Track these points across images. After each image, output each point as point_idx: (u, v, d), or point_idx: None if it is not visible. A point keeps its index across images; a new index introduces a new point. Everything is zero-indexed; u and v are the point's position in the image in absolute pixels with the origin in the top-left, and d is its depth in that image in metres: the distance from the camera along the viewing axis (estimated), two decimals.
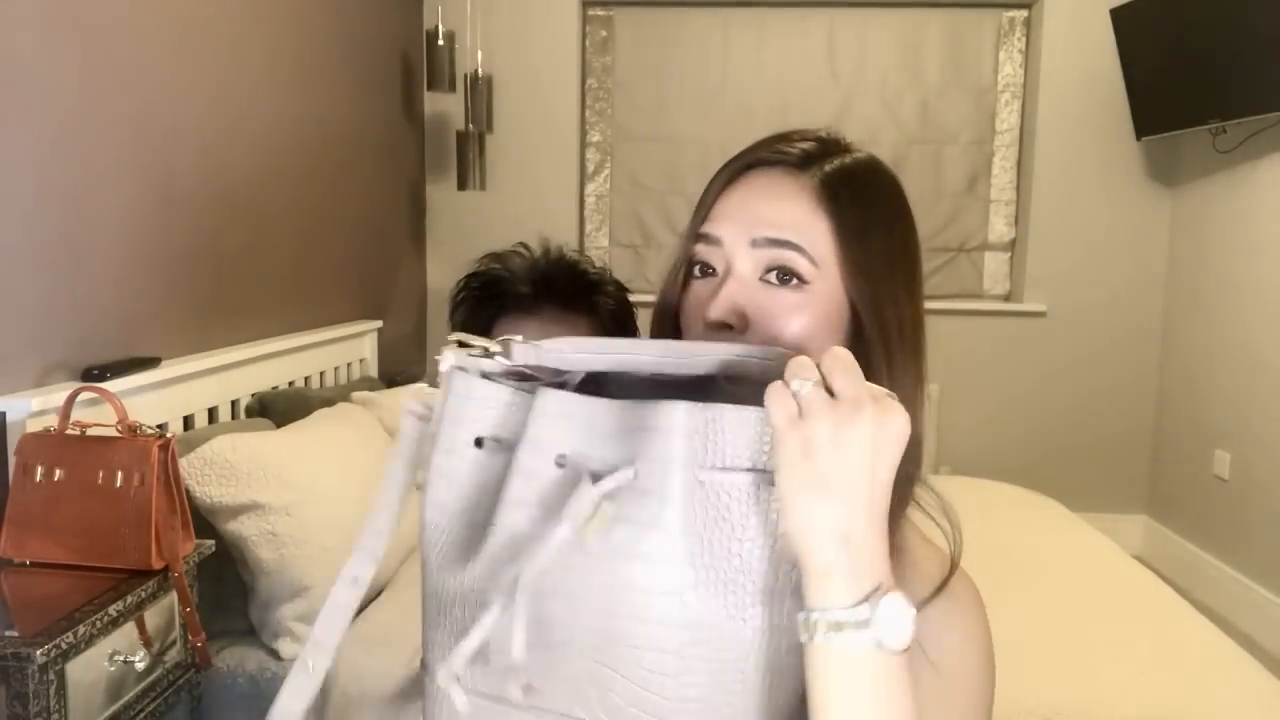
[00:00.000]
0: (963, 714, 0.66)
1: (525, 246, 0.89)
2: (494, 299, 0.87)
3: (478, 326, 0.87)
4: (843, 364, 0.54)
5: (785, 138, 0.73)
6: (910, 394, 0.68)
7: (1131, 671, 1.70)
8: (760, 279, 0.68)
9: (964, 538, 0.70)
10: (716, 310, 0.67)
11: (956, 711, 0.65)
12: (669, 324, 0.74)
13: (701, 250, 0.71)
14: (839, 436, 0.51)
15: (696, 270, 0.72)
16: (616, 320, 0.86)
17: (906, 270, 0.71)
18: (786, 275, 0.68)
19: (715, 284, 0.70)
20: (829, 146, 0.72)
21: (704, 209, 0.72)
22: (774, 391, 0.53)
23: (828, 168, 0.69)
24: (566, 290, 0.86)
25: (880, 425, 0.52)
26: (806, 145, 0.71)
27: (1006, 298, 3.95)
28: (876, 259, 0.69)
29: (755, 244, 0.68)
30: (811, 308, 0.67)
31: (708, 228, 0.71)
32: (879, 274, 0.69)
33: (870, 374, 0.63)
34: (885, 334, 0.68)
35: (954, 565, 0.68)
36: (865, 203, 0.69)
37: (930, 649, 0.63)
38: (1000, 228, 3.92)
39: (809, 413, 0.52)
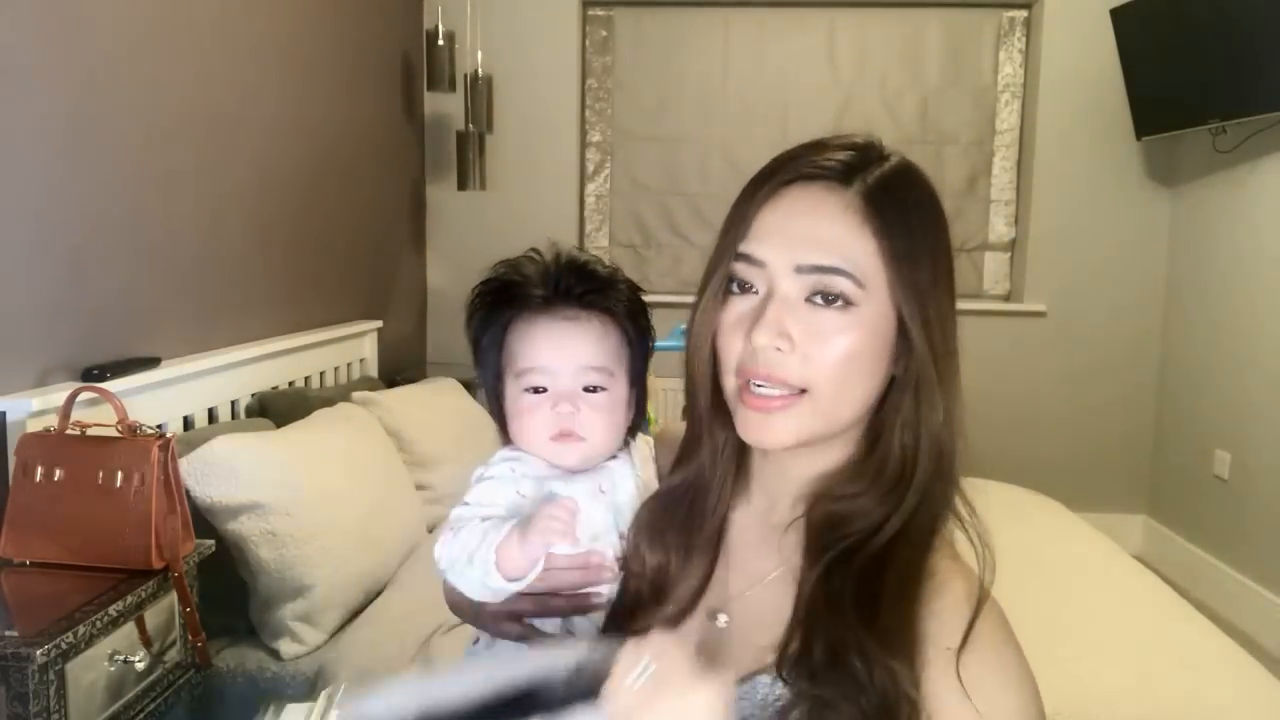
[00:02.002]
0: None
1: (536, 252, 0.89)
2: (508, 303, 0.87)
3: (493, 330, 0.87)
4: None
5: (822, 147, 0.72)
6: (952, 398, 0.69)
7: (1131, 671, 1.70)
8: (806, 300, 0.68)
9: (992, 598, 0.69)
10: (764, 334, 0.67)
11: None
12: (709, 349, 0.73)
13: (742, 269, 0.71)
14: None
15: (735, 286, 0.71)
16: (631, 318, 0.86)
17: (948, 278, 0.71)
18: (833, 298, 0.67)
19: (758, 304, 0.69)
20: (868, 155, 0.71)
21: (743, 225, 0.71)
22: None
23: (870, 180, 0.69)
24: (579, 289, 0.85)
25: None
26: (845, 156, 0.70)
27: (1006, 298, 3.95)
28: (924, 274, 0.68)
29: (800, 270, 0.68)
30: (857, 327, 0.67)
31: (749, 248, 0.70)
32: (927, 289, 0.68)
33: (922, 387, 0.67)
34: (933, 347, 0.68)
35: (983, 597, 0.66)
36: (908, 215, 0.69)
37: (972, 698, 0.63)
38: (1000, 228, 3.92)
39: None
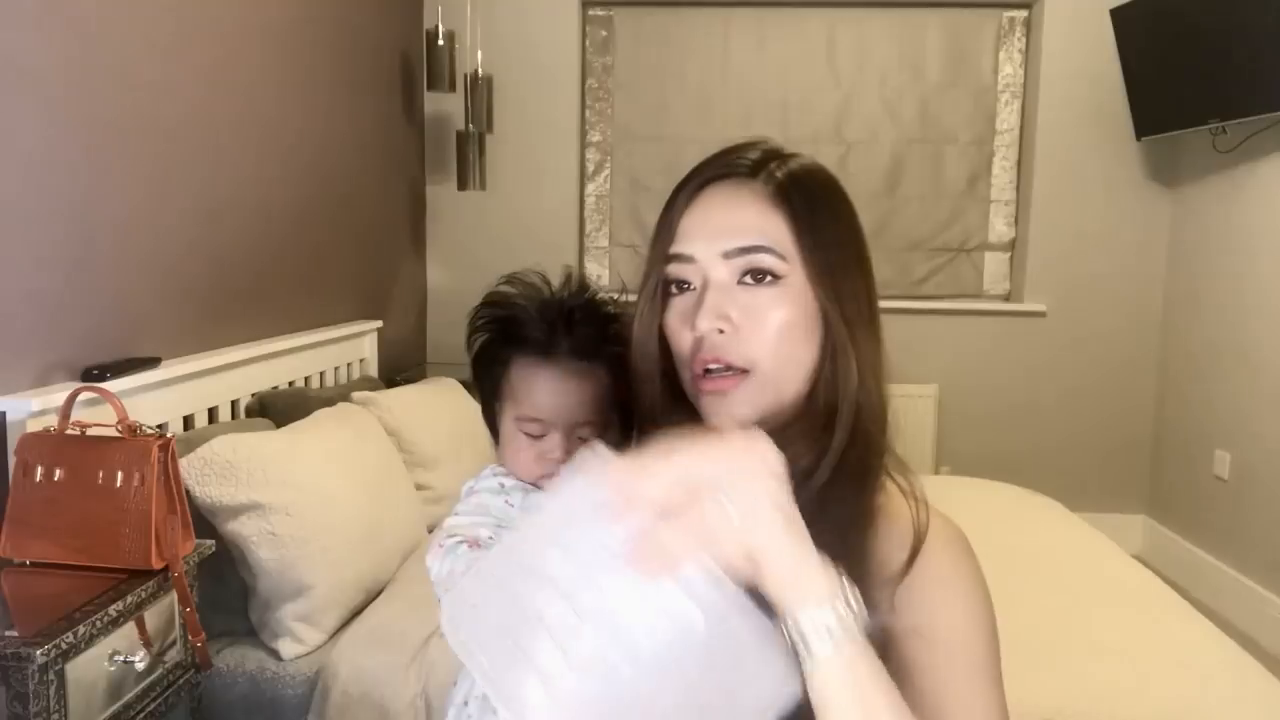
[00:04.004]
0: (966, 670, 0.69)
1: (544, 279, 0.89)
2: (509, 340, 0.87)
3: (494, 365, 0.88)
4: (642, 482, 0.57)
5: (732, 151, 0.79)
6: (873, 362, 0.76)
7: (1131, 671, 1.70)
8: (738, 283, 0.74)
9: (959, 530, 0.75)
10: (705, 320, 0.73)
11: (960, 671, 0.68)
12: (654, 346, 0.78)
13: (675, 269, 0.77)
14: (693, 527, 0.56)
15: (673, 288, 0.77)
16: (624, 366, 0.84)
17: (857, 252, 0.78)
18: (761, 274, 0.74)
19: (696, 296, 0.75)
20: (772, 155, 0.78)
21: (669, 231, 0.77)
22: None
23: (777, 173, 0.76)
24: (587, 336, 0.85)
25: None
26: (754, 155, 0.78)
27: (1006, 298, 3.95)
28: (832, 247, 0.75)
29: (727, 255, 0.74)
30: (789, 299, 0.74)
31: (678, 247, 0.76)
32: (836, 261, 0.75)
33: (839, 355, 0.73)
34: (847, 317, 0.74)
35: (920, 532, 0.72)
36: (814, 199, 0.76)
37: (915, 615, 0.69)
38: (1000, 228, 3.92)
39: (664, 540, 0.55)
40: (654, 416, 0.80)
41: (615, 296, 0.90)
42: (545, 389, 0.85)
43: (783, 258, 0.73)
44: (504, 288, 0.89)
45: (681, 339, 0.76)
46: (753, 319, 0.73)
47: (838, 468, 0.73)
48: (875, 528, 0.72)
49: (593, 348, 0.85)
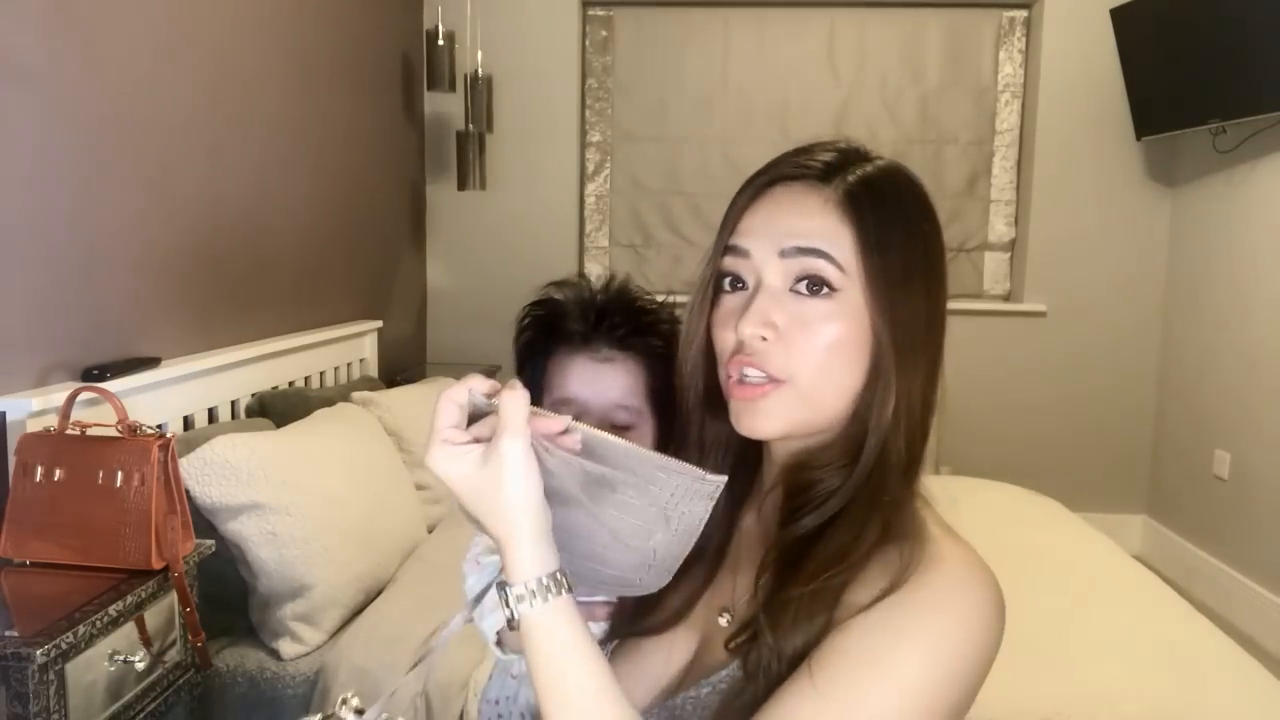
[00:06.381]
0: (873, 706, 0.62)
1: (584, 278, 0.94)
2: (550, 334, 0.92)
3: (535, 358, 0.93)
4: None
5: (807, 150, 0.75)
6: (918, 388, 0.71)
7: (1131, 671, 1.70)
8: (790, 289, 0.70)
9: (965, 537, 0.72)
10: (749, 325, 0.70)
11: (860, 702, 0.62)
12: (701, 340, 0.76)
13: (730, 263, 0.74)
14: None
15: (726, 284, 0.74)
16: (665, 362, 0.87)
17: (925, 273, 0.72)
18: (816, 284, 0.70)
19: (746, 297, 0.72)
20: (849, 157, 0.74)
21: (730, 223, 0.74)
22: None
23: (850, 179, 0.71)
24: (620, 328, 0.89)
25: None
26: (828, 157, 0.73)
27: (1006, 298, 3.95)
28: (895, 268, 0.70)
29: (784, 254, 0.70)
30: (841, 315, 0.69)
31: (735, 240, 0.73)
32: (895, 282, 0.70)
33: (879, 379, 0.69)
34: (896, 342, 0.69)
35: (908, 565, 0.66)
36: (885, 211, 0.71)
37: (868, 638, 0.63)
38: (1000, 228, 3.92)
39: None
40: (691, 414, 0.79)
41: (657, 296, 0.94)
42: (577, 373, 0.88)
43: (841, 269, 0.69)
44: (549, 289, 0.94)
45: (724, 338, 0.73)
46: (801, 329, 0.69)
47: (849, 503, 0.70)
48: (860, 578, 0.67)
49: (625, 337, 0.88)
